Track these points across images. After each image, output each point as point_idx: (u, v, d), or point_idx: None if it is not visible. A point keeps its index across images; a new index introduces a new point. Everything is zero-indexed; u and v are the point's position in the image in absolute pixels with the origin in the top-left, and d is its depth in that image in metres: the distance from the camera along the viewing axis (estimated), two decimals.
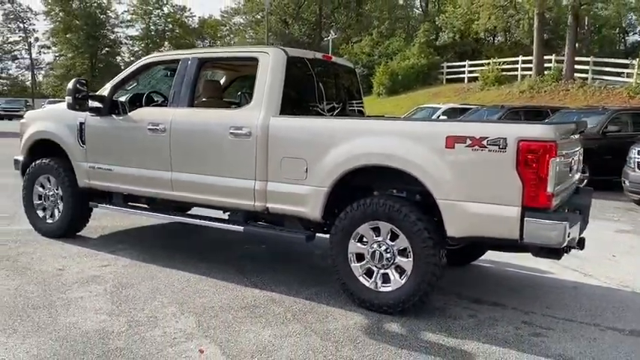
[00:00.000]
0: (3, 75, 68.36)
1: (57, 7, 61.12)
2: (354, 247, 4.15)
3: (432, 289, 3.99)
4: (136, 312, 3.92)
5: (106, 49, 62.55)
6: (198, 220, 5.06)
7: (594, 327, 3.99)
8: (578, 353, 3.53)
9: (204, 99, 5.30)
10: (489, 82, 29.24)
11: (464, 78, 32.85)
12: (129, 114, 5.22)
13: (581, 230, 4.15)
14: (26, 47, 67.64)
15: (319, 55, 5.09)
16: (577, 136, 4.42)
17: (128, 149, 5.26)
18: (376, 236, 4.06)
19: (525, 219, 3.55)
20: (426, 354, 3.43)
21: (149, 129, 5.02)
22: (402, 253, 3.98)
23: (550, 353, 3.51)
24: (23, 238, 5.85)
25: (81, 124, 5.50)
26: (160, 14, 63.85)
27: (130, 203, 5.57)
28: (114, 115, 5.30)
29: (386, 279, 4.06)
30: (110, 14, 63.20)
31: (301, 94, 4.94)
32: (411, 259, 3.93)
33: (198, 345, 3.42)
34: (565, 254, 3.93)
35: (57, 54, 64.63)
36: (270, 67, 4.55)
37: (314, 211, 4.27)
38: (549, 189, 3.54)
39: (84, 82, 5.21)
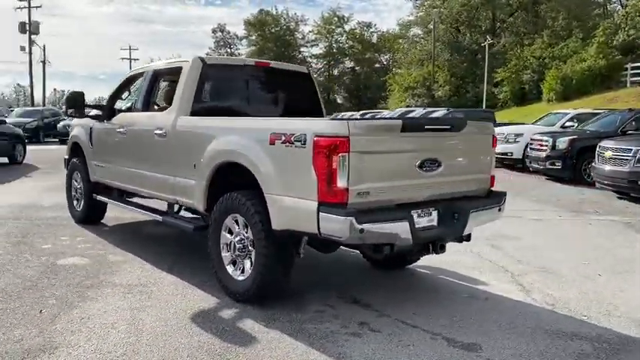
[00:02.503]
0: None
1: (254, 32, 68.34)
2: (224, 237, 4.47)
3: (275, 280, 4.12)
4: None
5: None
6: (141, 211, 5.78)
7: (430, 335, 3.74)
8: (365, 355, 3.41)
9: (156, 105, 6.04)
10: None
11: None
12: (112, 119, 6.20)
13: (431, 233, 4.03)
14: None
15: (250, 62, 5.46)
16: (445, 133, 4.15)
17: (110, 149, 6.26)
18: (238, 228, 4.34)
19: (320, 213, 3.56)
20: (231, 341, 3.65)
21: (118, 131, 5.94)
22: (253, 244, 4.20)
23: (339, 351, 3.46)
24: (60, 222, 7.21)
25: (91, 128, 6.66)
26: (342, 32, 67.24)
27: (126, 198, 6.53)
28: (105, 121, 6.33)
29: (244, 268, 4.32)
30: (297, 35, 68.65)
31: (223, 98, 5.37)
32: (254, 249, 4.14)
33: None
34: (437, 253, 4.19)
35: None
36: (187, 73, 5.09)
37: (199, 203, 4.70)
38: (340, 184, 3.51)
39: (80, 93, 6.32)
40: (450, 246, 6.07)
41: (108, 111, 6.39)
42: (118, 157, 6.07)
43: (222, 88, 5.38)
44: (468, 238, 4.42)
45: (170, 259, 5.48)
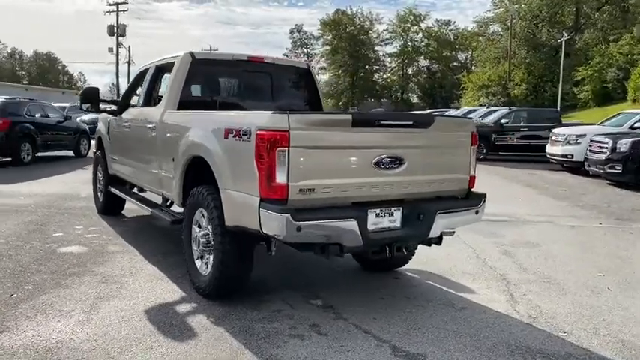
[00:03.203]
0: None
1: (328, 32, 68.69)
2: (194, 232, 4.46)
3: (232, 277, 4.07)
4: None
5: (366, 66, 67.59)
6: (138, 204, 5.89)
7: (378, 342, 3.53)
8: (297, 358, 3.28)
9: (158, 99, 6.13)
10: None
11: None
12: (122, 114, 6.39)
13: (390, 234, 3.83)
14: None
15: (242, 57, 5.42)
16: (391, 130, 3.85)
17: (120, 143, 6.46)
18: (204, 223, 4.32)
19: (260, 210, 3.46)
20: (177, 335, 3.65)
21: (124, 126, 6.12)
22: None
23: (272, 352, 3.35)
24: (84, 212, 7.54)
25: (109, 123, 6.91)
26: (417, 30, 66.07)
27: (136, 191, 6.71)
28: (118, 116, 6.54)
29: (208, 263, 4.29)
30: (372, 34, 68.18)
31: (214, 93, 5.38)
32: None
33: None
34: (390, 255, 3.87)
35: (331, 74, 72.35)
36: (176, 68, 5.15)
37: (176, 197, 4.74)
38: (279, 180, 3.39)
39: (95, 89, 6.55)
40: (458, 250, 5.84)
41: (121, 106, 6.59)
42: (124, 151, 6.27)
43: (212, 84, 5.39)
44: (439, 241, 4.13)
45: (162, 252, 5.56)
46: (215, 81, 5.42)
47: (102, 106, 6.51)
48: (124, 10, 50.68)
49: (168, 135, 4.90)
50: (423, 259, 5.28)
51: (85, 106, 6.51)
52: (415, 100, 68.40)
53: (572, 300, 4.50)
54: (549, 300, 4.48)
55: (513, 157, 17.85)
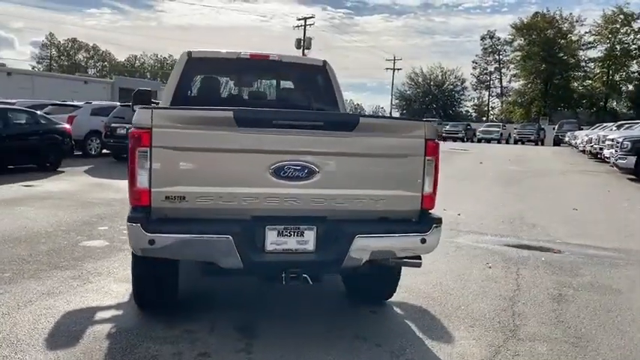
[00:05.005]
0: (471, 103, 76.31)
1: (520, 37, 64.08)
2: None
3: (145, 294, 3.80)
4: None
5: (563, 73, 61.29)
6: None
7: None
8: None
9: None
10: None
11: None
12: None
13: (303, 258, 3.23)
14: (498, 77, 73.92)
15: (245, 55, 5.05)
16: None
17: None
18: None
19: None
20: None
21: None
22: None
23: None
24: None
25: None
26: (628, 31, 57.96)
27: None
28: None
29: None
30: (571, 37, 61.67)
31: (212, 92, 5.10)
32: None
33: None
34: None
35: (522, 81, 67.51)
36: (175, 67, 5.04)
37: None
38: (140, 184, 2.99)
39: (147, 91, 6.76)
40: (488, 285, 4.74)
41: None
42: None
43: (210, 83, 5.13)
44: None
45: None
46: (213, 80, 5.16)
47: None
48: (310, 24, 53.61)
49: None
50: (432, 291, 4.38)
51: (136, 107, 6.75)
52: (623, 110, 60.03)
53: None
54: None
55: None
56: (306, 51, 53.10)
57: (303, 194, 3.14)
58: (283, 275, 3.11)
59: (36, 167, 12.01)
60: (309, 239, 3.19)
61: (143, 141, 2.95)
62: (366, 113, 53.06)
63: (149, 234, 2.91)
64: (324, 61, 5.29)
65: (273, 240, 3.15)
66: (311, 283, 3.16)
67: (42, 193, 9.15)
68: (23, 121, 12.22)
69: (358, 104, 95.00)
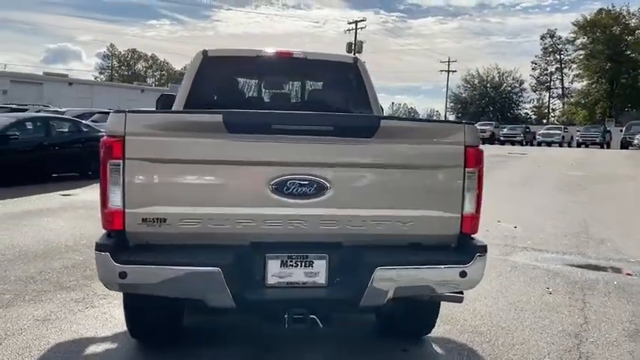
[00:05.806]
0: (530, 105, 73.23)
1: (582, 35, 61.04)
2: None
3: (137, 328, 3.29)
4: None
5: (631, 71, 57.76)
6: None
7: None
8: None
9: None
10: None
11: None
12: None
13: (312, 294, 2.66)
14: (560, 77, 70.73)
15: (267, 53, 4.50)
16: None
17: None
18: None
19: None
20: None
21: None
22: None
23: None
24: None
25: None
26: None
27: None
28: None
29: None
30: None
31: (230, 93, 4.58)
32: None
33: None
34: None
35: (585, 81, 64.27)
36: (189, 67, 4.59)
37: None
38: (112, 204, 2.48)
39: (172, 96, 6.36)
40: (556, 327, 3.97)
41: None
42: None
43: (228, 84, 4.62)
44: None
45: None
46: (232, 81, 4.64)
47: None
48: (362, 28, 53.01)
49: None
50: (479, 325, 3.67)
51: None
52: None
53: None
54: None
55: None
56: (357, 54, 52.64)
57: (312, 215, 2.54)
58: (285, 317, 2.51)
59: (78, 175, 11.96)
60: (319, 270, 2.59)
61: (115, 151, 2.44)
62: (421, 117, 51.64)
63: (119, 265, 2.39)
64: (355, 58, 4.68)
65: (276, 272, 2.57)
66: (321, 326, 2.54)
67: (77, 202, 8.96)
68: (66, 130, 12.22)
69: (412, 108, 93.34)
